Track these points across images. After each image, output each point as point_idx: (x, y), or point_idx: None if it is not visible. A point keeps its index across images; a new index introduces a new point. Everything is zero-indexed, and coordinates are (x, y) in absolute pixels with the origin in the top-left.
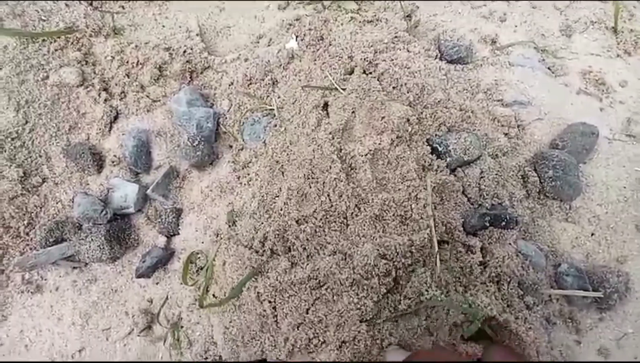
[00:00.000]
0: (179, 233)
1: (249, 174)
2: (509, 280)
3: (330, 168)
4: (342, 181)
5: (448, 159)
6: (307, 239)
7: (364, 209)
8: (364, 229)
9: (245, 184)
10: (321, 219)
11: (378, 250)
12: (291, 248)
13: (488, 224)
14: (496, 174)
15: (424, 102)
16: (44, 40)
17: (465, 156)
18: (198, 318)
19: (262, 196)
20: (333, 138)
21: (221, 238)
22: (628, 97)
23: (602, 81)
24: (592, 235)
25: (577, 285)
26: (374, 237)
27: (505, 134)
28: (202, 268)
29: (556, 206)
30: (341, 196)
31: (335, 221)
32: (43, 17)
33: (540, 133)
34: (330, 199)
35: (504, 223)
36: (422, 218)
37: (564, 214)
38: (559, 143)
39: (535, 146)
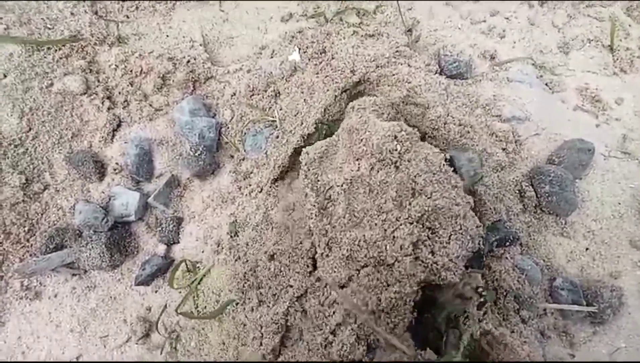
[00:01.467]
0: (179, 242)
1: (250, 185)
2: (505, 293)
3: (305, 202)
4: (312, 217)
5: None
6: (270, 278)
7: (335, 249)
8: (334, 272)
9: (246, 194)
10: (288, 257)
11: (355, 333)
12: (260, 285)
13: (494, 248)
14: (497, 189)
15: (424, 118)
16: (49, 48)
17: (475, 176)
18: (195, 326)
19: (266, 210)
20: (308, 169)
21: (222, 248)
22: (624, 114)
23: (598, 98)
24: (587, 249)
25: (572, 299)
26: (341, 292)
27: (503, 149)
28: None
29: (552, 221)
30: (310, 233)
31: (298, 262)
32: (49, 26)
33: (537, 149)
34: (300, 236)
35: (508, 243)
36: (397, 261)
37: (560, 229)
38: (556, 159)
39: (532, 161)
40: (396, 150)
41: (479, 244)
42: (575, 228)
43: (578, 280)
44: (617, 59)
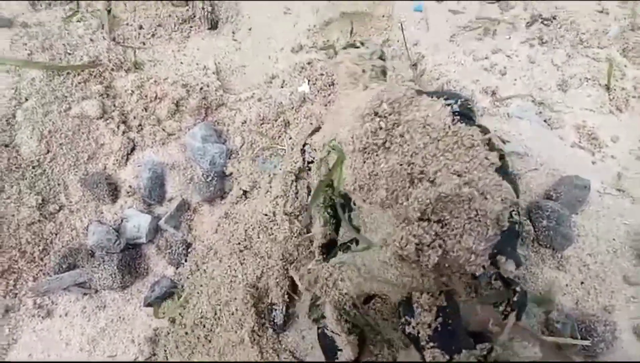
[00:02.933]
0: None
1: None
2: None
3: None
4: None
5: None
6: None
7: None
8: None
9: None
10: None
11: None
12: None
13: (493, 281)
14: None
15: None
16: (68, 73)
17: None
18: None
19: None
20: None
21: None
22: (619, 152)
23: (595, 135)
24: (582, 283)
25: (567, 333)
26: None
27: None
28: None
29: (548, 255)
30: None
31: None
32: (69, 51)
33: (535, 183)
34: None
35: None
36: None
37: (556, 263)
38: (553, 194)
39: (530, 196)
40: (381, 128)
41: (516, 220)
42: (571, 262)
43: (573, 313)
44: (613, 98)
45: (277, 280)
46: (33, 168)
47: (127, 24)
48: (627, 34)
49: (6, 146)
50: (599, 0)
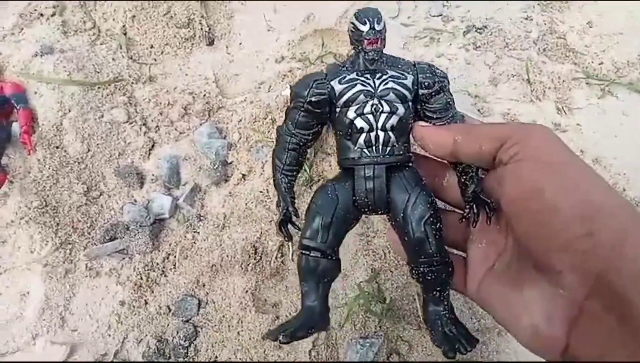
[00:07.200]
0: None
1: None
2: None
3: None
4: None
5: None
6: None
7: None
8: None
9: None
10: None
11: None
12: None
13: None
14: None
15: None
16: (99, 87)
17: None
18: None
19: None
20: None
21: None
22: None
23: (517, 120)
24: None
25: None
26: None
27: None
28: None
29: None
30: None
31: None
32: (97, 70)
33: None
34: None
35: None
36: None
37: None
38: None
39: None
40: None
41: None
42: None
43: None
44: (533, 90)
45: (272, 238)
46: (78, 163)
47: (141, 44)
48: (546, 36)
49: (57, 147)
50: (524, 10)
